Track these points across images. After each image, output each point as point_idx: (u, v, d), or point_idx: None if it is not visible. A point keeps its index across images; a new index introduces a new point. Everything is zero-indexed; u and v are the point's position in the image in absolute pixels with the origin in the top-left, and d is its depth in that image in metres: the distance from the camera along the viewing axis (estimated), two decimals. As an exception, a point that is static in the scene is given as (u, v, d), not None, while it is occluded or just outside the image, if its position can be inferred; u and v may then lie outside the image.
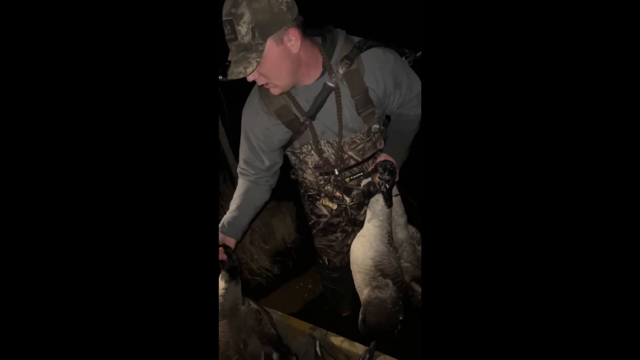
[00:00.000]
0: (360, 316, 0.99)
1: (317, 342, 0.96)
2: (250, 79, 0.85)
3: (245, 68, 0.81)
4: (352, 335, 1.01)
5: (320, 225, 1.25)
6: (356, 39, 0.95)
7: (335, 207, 1.16)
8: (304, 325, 1.05)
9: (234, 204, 1.09)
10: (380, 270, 0.94)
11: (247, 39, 0.79)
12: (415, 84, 1.00)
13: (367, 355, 0.92)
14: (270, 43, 0.81)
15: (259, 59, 0.81)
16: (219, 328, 0.88)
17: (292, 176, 1.19)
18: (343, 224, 1.23)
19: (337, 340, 1.00)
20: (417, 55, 1.09)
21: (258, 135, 1.01)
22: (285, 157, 1.12)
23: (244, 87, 1.05)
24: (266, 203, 1.13)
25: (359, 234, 0.95)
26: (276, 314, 1.10)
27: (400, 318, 1.01)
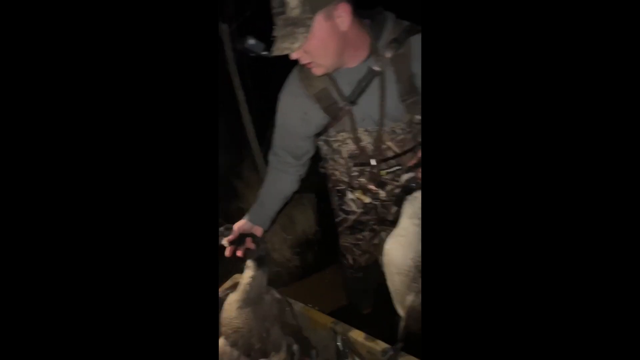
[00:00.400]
0: (402, 323, 0.93)
1: (339, 337, 0.94)
2: (293, 56, 0.82)
3: (292, 44, 0.77)
4: (374, 331, 0.98)
5: (349, 223, 1.21)
6: (406, 23, 0.89)
7: (367, 200, 1.12)
8: (325, 319, 1.03)
9: (262, 192, 1.08)
10: (420, 272, 0.89)
11: (295, 12, 0.76)
12: None
13: (391, 352, 0.89)
14: (319, 18, 0.77)
15: (306, 35, 0.77)
16: (243, 315, 0.87)
17: (321, 170, 1.16)
18: (372, 222, 1.19)
19: (359, 336, 0.97)
20: None
21: (295, 120, 0.98)
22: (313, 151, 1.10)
23: (274, 73, 1.03)
24: (294, 193, 1.11)
25: (394, 234, 0.90)
26: (297, 305, 1.08)
27: None
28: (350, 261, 1.30)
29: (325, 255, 1.87)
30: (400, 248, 0.88)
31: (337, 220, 1.24)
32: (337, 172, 1.11)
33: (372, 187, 1.09)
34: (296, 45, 0.77)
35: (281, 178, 1.07)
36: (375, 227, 1.20)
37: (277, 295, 0.98)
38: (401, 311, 0.94)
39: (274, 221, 1.11)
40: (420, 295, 0.89)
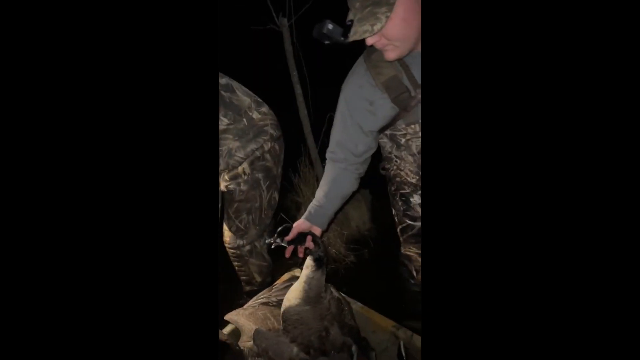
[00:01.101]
0: None
1: (401, 343, 0.89)
2: (369, 42, 0.75)
3: (373, 25, 0.70)
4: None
5: (414, 231, 1.12)
6: None
7: None
8: (386, 322, 0.99)
9: (321, 191, 1.04)
10: None
11: None
12: None
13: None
14: None
15: (389, 14, 0.70)
16: (303, 313, 0.87)
17: (382, 171, 1.09)
18: None
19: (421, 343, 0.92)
20: None
21: (358, 112, 0.92)
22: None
23: (331, 68, 0.99)
24: (354, 193, 1.07)
25: None
26: (356, 305, 1.06)
27: None
28: (413, 272, 1.22)
29: (382, 254, 1.81)
30: None
31: (400, 227, 1.16)
32: (402, 173, 1.04)
33: None
34: (378, 26, 0.70)
35: (339, 176, 1.02)
36: None
37: (336, 294, 0.96)
38: None
39: (332, 221, 1.07)
40: None
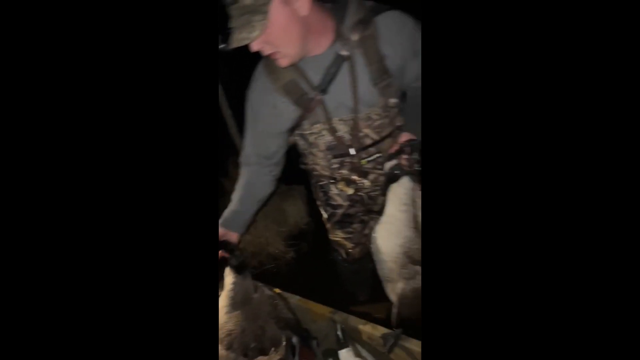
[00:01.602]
0: (394, 310, 0.94)
1: (339, 326, 0.94)
2: (254, 47, 0.77)
3: (250, 33, 0.73)
4: (373, 318, 0.99)
5: (337, 218, 1.18)
6: (370, 1, 0.85)
7: (351, 191, 1.09)
8: (323, 309, 1.03)
9: (236, 196, 1.04)
10: (409, 257, 0.89)
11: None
12: None
13: (393, 340, 0.89)
14: (276, 3, 0.73)
15: (264, 22, 0.73)
16: (233, 319, 0.87)
17: (302, 166, 1.12)
18: (360, 214, 1.17)
19: (358, 323, 0.97)
20: None
21: (264, 116, 0.94)
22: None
23: (251, 67, 0.99)
24: (271, 194, 1.07)
25: (382, 221, 0.89)
26: (294, 298, 1.08)
27: None
28: (344, 255, 1.28)
29: (319, 245, 1.87)
30: (387, 235, 0.87)
31: (325, 216, 1.21)
32: (317, 167, 1.08)
33: (354, 177, 1.06)
34: (254, 34, 0.73)
35: (253, 179, 1.03)
36: (364, 217, 1.18)
37: (268, 292, 0.97)
38: (393, 298, 0.94)
39: (250, 225, 1.07)
40: (410, 282, 0.90)
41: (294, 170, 1.20)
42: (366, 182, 1.07)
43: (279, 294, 1.03)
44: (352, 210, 1.16)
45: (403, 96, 1.01)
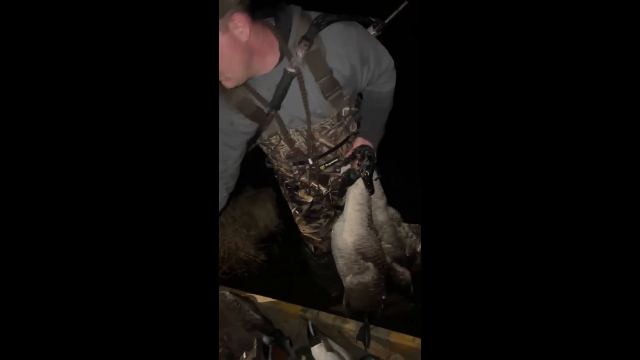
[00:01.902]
0: (344, 301, 1.00)
1: (309, 322, 0.96)
2: None
3: None
4: (342, 312, 1.02)
5: (303, 212, 1.23)
6: (313, 14, 0.86)
7: (311, 199, 1.14)
8: (294, 308, 1.05)
9: None
10: (361, 254, 0.94)
11: None
12: (384, 57, 0.94)
13: (363, 332, 0.92)
14: None
15: None
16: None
17: (268, 165, 1.15)
18: (325, 209, 1.22)
19: (329, 318, 1.01)
20: (385, 22, 1.04)
21: (223, 133, 0.94)
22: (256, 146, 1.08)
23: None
24: (226, 205, 1.06)
25: (339, 219, 0.95)
26: (265, 300, 1.08)
27: (384, 297, 1.02)
28: (312, 249, 1.33)
29: (290, 245, 1.87)
30: (342, 232, 0.93)
31: (292, 211, 1.25)
32: (282, 169, 1.12)
33: (314, 184, 1.11)
34: None
35: None
36: (329, 213, 1.23)
37: (230, 297, 0.97)
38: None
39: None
40: (358, 276, 0.95)
41: (260, 174, 1.21)
42: (324, 189, 1.13)
43: (244, 297, 1.03)
44: (316, 206, 1.21)
45: (358, 104, 1.04)
